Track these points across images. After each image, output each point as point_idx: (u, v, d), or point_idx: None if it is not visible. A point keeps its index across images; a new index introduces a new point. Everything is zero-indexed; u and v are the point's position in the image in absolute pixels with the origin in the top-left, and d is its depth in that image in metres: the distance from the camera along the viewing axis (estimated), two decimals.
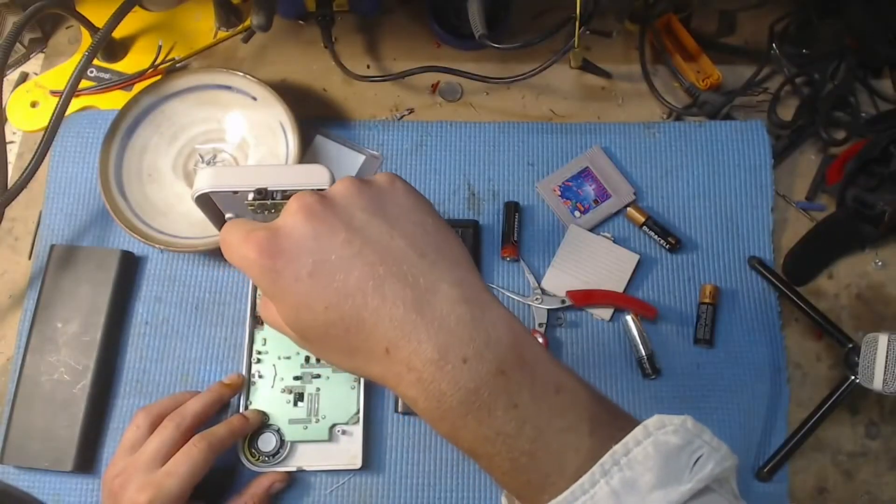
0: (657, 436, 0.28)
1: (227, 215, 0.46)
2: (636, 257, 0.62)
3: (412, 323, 0.30)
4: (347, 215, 0.32)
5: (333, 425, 0.56)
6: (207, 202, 0.45)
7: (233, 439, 0.53)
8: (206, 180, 0.43)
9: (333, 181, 0.43)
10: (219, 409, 0.55)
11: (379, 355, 0.30)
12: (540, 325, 0.60)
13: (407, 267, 0.31)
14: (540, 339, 0.59)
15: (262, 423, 0.55)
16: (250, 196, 0.43)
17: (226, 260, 0.34)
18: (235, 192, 0.43)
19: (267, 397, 0.57)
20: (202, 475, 0.49)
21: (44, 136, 0.57)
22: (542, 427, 0.29)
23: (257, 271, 0.32)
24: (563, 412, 0.29)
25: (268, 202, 0.43)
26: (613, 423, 0.30)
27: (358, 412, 0.56)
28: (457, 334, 0.29)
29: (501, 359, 0.29)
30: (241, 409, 0.56)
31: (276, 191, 0.43)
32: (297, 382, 0.57)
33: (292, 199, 0.33)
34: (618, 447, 0.28)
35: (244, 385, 0.57)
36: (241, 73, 0.64)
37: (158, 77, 0.66)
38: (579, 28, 0.60)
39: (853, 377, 0.55)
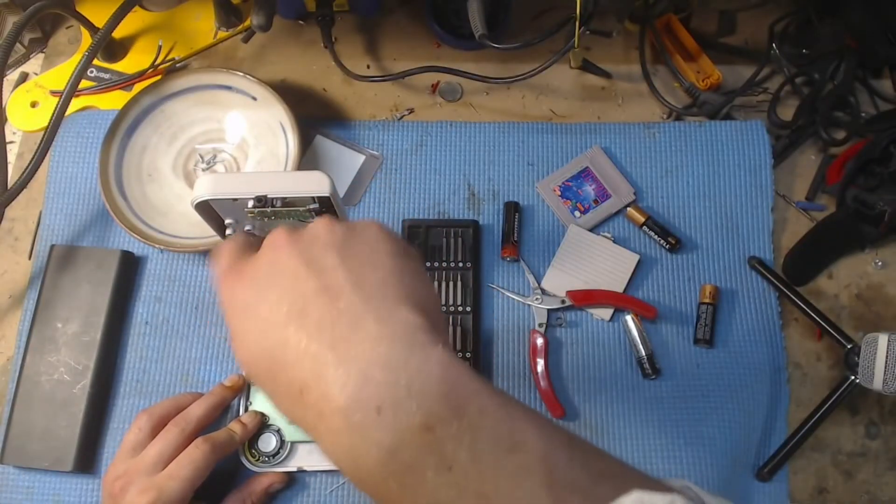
0: None
1: (227, 221, 0.46)
2: (636, 257, 0.62)
3: (324, 361, 0.26)
4: (305, 250, 0.30)
5: None
6: (207, 209, 0.45)
7: (233, 446, 0.52)
8: (205, 188, 0.43)
9: (333, 187, 0.43)
10: (221, 413, 0.55)
11: (296, 397, 0.27)
12: (540, 325, 0.60)
13: (338, 301, 0.28)
14: (540, 340, 0.59)
15: (262, 423, 0.55)
16: (250, 203, 0.43)
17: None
18: (235, 200, 0.43)
19: (267, 398, 0.57)
20: (204, 478, 0.49)
21: (44, 136, 0.57)
22: (489, 495, 0.23)
23: (220, 297, 0.31)
24: (517, 477, 0.24)
25: (267, 209, 0.43)
26: (589, 490, 0.24)
27: None
28: (371, 377, 0.25)
29: (427, 410, 0.24)
30: (242, 410, 0.56)
31: (276, 198, 0.43)
32: None
33: (272, 235, 0.32)
34: None
35: (245, 386, 0.57)
36: (241, 73, 0.64)
37: (158, 77, 0.66)
38: (579, 28, 0.60)
39: (853, 377, 0.55)
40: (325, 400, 0.25)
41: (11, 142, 0.67)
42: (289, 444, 0.55)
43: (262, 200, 0.42)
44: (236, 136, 0.65)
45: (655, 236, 0.62)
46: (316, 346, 0.26)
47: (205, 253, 0.62)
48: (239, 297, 0.30)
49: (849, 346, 0.56)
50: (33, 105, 0.67)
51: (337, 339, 0.26)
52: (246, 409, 0.56)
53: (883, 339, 0.52)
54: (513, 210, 0.63)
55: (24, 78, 0.71)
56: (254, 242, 0.35)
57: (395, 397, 0.24)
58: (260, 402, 0.57)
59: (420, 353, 0.26)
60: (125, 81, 0.67)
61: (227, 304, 0.31)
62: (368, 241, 0.31)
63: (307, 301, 0.28)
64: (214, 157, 0.65)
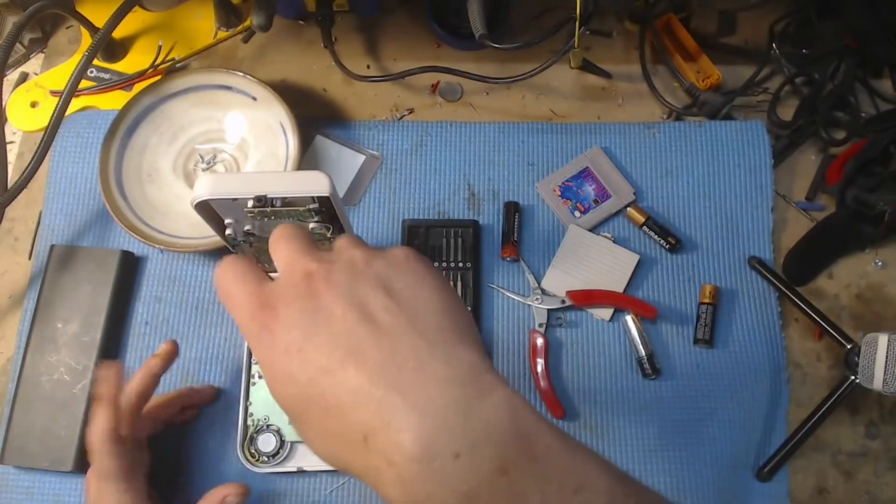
0: None
1: (227, 221, 0.46)
2: (636, 257, 0.62)
3: (392, 406, 0.25)
4: (349, 288, 0.29)
5: None
6: (207, 209, 0.45)
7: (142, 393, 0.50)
8: (205, 188, 0.43)
9: (333, 187, 0.43)
10: (153, 383, 0.51)
11: (356, 444, 0.26)
12: (540, 325, 0.60)
13: (399, 345, 0.27)
14: (540, 340, 0.59)
15: (211, 395, 0.57)
16: (250, 203, 0.43)
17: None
18: (235, 200, 0.43)
19: (267, 398, 0.57)
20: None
21: (44, 136, 0.57)
22: None
23: (252, 338, 0.30)
24: None
25: (267, 209, 0.43)
26: None
27: None
28: (447, 423, 0.25)
29: (503, 454, 0.25)
30: (242, 410, 0.56)
31: (276, 198, 0.43)
32: None
33: (295, 261, 0.31)
34: None
35: (177, 352, 0.53)
36: (241, 73, 0.64)
37: (158, 77, 0.66)
38: (579, 28, 0.60)
39: (853, 377, 0.55)
40: (395, 447, 0.25)
41: (11, 142, 0.67)
42: (289, 444, 0.55)
43: (261, 200, 0.42)
44: (236, 137, 0.65)
45: (655, 236, 0.62)
46: (381, 391, 0.25)
47: (205, 253, 0.62)
48: (279, 340, 0.28)
49: (849, 346, 0.56)
50: (33, 105, 0.67)
51: (404, 383, 0.26)
52: (246, 409, 0.56)
53: (883, 339, 0.52)
54: (513, 210, 0.63)
55: (24, 78, 0.71)
56: (255, 265, 0.33)
57: (472, 442, 0.24)
58: (260, 402, 0.57)
59: (490, 395, 0.26)
60: (125, 81, 0.67)
61: (263, 348, 0.29)
62: (413, 275, 0.31)
63: (363, 343, 0.27)
64: (214, 157, 0.65)
